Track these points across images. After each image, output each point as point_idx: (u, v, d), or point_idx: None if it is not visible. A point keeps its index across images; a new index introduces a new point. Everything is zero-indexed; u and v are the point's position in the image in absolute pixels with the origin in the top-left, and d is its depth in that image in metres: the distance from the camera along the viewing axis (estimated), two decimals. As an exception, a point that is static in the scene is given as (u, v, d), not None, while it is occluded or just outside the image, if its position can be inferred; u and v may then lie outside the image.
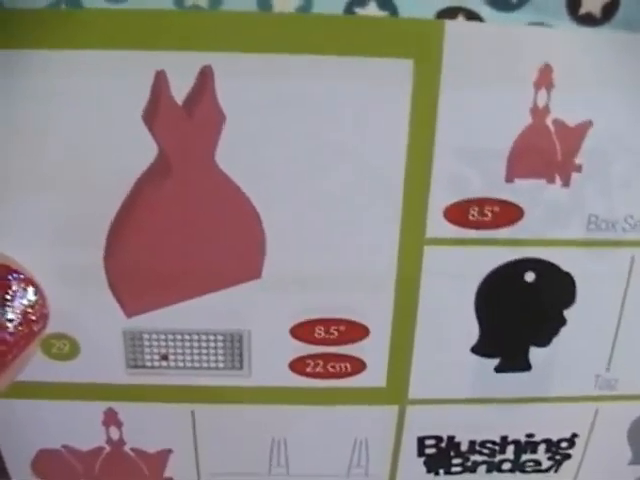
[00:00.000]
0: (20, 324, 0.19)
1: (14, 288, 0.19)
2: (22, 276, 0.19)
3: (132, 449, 0.23)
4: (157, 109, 0.18)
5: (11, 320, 0.19)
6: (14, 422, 0.22)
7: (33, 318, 0.20)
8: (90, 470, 0.24)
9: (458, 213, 0.20)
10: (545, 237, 0.20)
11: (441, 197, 0.20)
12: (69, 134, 0.19)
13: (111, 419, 0.22)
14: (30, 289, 0.20)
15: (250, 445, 0.23)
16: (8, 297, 0.19)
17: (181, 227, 0.20)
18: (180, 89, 0.18)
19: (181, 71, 0.18)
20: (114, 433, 0.23)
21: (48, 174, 0.19)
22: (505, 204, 0.20)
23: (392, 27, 0.18)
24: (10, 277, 0.19)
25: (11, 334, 0.19)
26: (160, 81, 0.18)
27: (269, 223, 0.20)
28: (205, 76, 0.18)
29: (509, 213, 0.20)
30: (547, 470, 0.24)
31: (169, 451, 0.23)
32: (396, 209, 0.20)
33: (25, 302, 0.19)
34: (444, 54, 0.18)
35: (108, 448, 0.23)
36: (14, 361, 0.19)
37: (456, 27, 0.18)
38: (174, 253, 0.20)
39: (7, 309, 0.19)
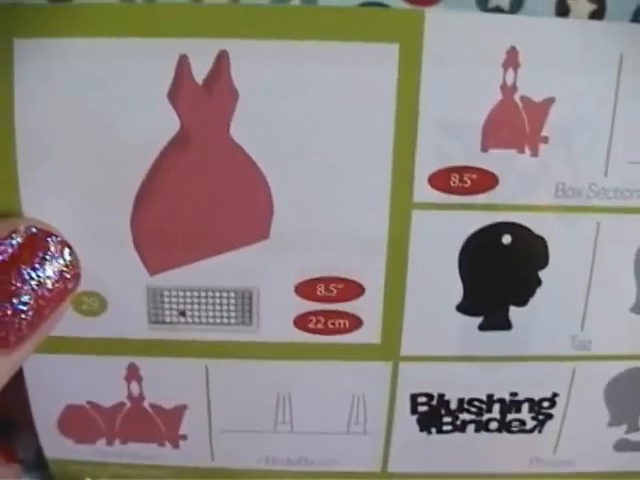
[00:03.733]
0: (57, 281, 0.22)
1: (52, 249, 0.23)
2: (59, 238, 0.23)
3: (151, 405, 0.26)
4: (180, 88, 0.22)
5: (49, 277, 0.22)
6: (45, 378, 0.25)
7: (68, 276, 0.23)
8: (111, 427, 0.27)
9: (441, 180, 0.23)
10: (518, 203, 0.24)
11: (425, 165, 0.23)
12: (103, 110, 0.22)
13: (133, 374, 0.25)
14: (66, 250, 0.23)
15: (258, 401, 0.26)
16: (47, 257, 0.22)
17: (199, 193, 0.23)
18: (200, 71, 0.22)
19: (201, 55, 0.22)
20: (135, 388, 0.26)
21: (83, 146, 0.23)
22: (482, 172, 0.23)
23: (381, 16, 0.22)
24: (49, 239, 0.22)
25: (49, 290, 0.22)
26: (183, 64, 0.22)
27: (276, 189, 0.23)
28: (222, 60, 0.22)
29: (485, 180, 0.23)
30: (531, 430, 0.27)
31: (184, 407, 0.26)
32: (386, 177, 0.23)
33: (61, 262, 0.23)
34: (425, 39, 0.22)
35: (129, 404, 0.26)
36: (50, 315, 0.22)
37: (434, 15, 0.22)
38: (192, 216, 0.23)
39: (46, 268, 0.22)
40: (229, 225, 0.23)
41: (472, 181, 0.23)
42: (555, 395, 0.26)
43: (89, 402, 0.26)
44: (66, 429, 0.27)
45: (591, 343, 0.26)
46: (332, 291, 0.24)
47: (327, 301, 0.24)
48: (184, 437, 0.27)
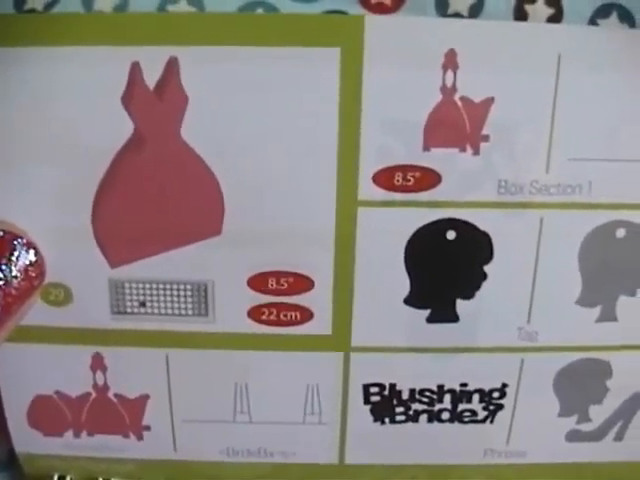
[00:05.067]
0: (23, 280, 0.24)
1: (18, 251, 0.24)
2: (24, 240, 0.24)
3: (115, 395, 0.28)
4: (133, 94, 0.24)
5: (16, 277, 0.24)
6: (15, 368, 0.27)
7: (33, 275, 0.25)
8: (78, 418, 0.28)
9: (385, 178, 0.25)
10: (462, 199, 0.25)
11: (370, 164, 0.24)
12: (62, 116, 0.24)
13: (97, 363, 0.27)
14: (31, 251, 0.25)
15: (217, 391, 0.28)
16: (13, 258, 0.24)
17: (153, 191, 0.25)
18: (151, 77, 0.23)
19: (152, 62, 0.23)
20: (100, 378, 0.27)
21: (43, 151, 0.24)
22: (425, 170, 0.25)
23: (322, 22, 0.23)
24: (15, 242, 0.24)
25: (16, 289, 0.24)
26: (135, 71, 0.23)
27: (226, 188, 0.25)
28: (172, 66, 0.23)
29: (428, 178, 0.25)
30: (483, 420, 0.28)
31: (147, 397, 0.28)
32: (332, 176, 0.24)
33: (27, 262, 0.24)
34: (365, 42, 0.23)
35: (94, 394, 0.28)
36: (18, 310, 0.24)
37: (373, 20, 0.23)
38: (148, 213, 0.25)
39: (13, 268, 0.24)
40: (183, 221, 0.25)
41: (415, 179, 0.25)
42: (505, 386, 0.28)
43: (57, 392, 0.28)
44: (35, 421, 0.28)
45: (538, 335, 0.27)
46: (283, 284, 0.26)
47: (279, 294, 0.26)
48: (147, 428, 0.28)
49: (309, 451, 0.29)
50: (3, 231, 0.24)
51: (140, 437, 0.29)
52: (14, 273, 0.24)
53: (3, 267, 0.24)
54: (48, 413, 0.28)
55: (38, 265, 0.25)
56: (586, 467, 0.30)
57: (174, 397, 0.28)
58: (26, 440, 0.29)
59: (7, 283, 0.24)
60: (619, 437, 0.29)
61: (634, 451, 0.29)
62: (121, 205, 0.25)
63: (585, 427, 0.29)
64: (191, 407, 0.28)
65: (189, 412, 0.28)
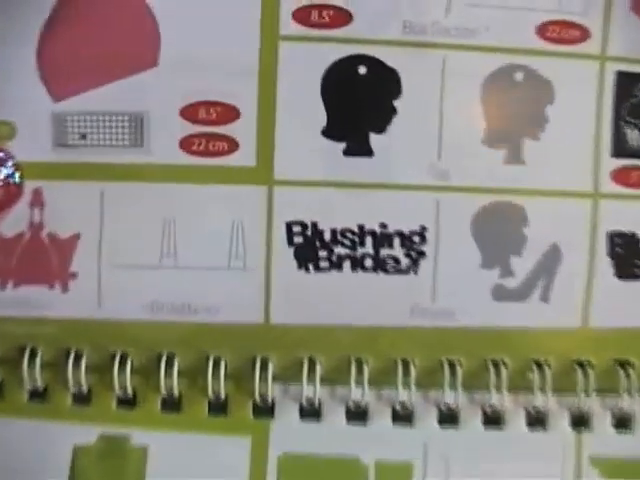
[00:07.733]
0: None
1: None
2: None
3: (48, 234, 0.30)
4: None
5: None
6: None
7: None
8: (8, 264, 0.30)
9: (303, 15, 0.29)
10: (371, 37, 0.29)
11: (289, 3, 0.29)
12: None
13: (37, 199, 0.30)
14: None
15: (146, 230, 0.30)
16: None
17: (95, 27, 0.29)
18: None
19: None
20: (36, 215, 0.30)
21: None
22: (338, 9, 0.29)
23: None
24: None
25: None
26: None
27: (163, 23, 0.29)
28: None
29: (341, 17, 0.29)
30: (407, 271, 0.30)
31: (78, 236, 0.30)
32: (256, 13, 0.29)
33: None
34: None
35: (28, 234, 0.30)
36: None
37: None
38: (89, 48, 0.29)
39: None
40: (122, 54, 0.29)
41: (330, 17, 0.29)
42: (424, 229, 0.30)
43: (-7, 232, 0.30)
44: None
45: (449, 174, 0.30)
46: (212, 114, 0.29)
47: (208, 124, 0.29)
48: (74, 275, 0.30)
49: (234, 307, 0.30)
50: None
51: (65, 288, 0.30)
52: None
53: None
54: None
55: None
56: (514, 333, 0.30)
57: (104, 237, 0.30)
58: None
59: None
60: (545, 297, 0.30)
61: (561, 316, 0.30)
62: (64, 41, 0.29)
63: (509, 282, 0.30)
64: (119, 250, 0.30)
65: (117, 255, 0.30)
